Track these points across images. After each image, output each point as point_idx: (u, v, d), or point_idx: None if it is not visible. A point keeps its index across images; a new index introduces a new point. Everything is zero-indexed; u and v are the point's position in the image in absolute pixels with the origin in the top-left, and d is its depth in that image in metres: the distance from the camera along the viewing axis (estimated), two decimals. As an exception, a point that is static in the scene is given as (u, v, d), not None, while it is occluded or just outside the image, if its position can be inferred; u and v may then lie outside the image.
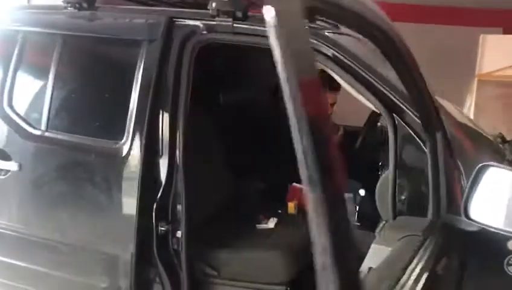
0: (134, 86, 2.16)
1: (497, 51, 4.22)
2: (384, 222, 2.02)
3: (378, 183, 2.01)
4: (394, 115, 1.88)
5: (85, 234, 2.26)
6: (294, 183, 3.10)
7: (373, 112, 3.24)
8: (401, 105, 1.86)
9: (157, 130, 2.14)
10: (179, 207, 2.15)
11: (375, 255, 1.26)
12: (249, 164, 3.16)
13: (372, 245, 1.32)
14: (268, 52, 0.72)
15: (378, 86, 1.90)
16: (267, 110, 3.83)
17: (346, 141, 3.31)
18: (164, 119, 2.14)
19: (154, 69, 2.13)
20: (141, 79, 2.15)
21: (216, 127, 2.77)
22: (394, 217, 1.86)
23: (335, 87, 3.30)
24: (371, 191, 2.82)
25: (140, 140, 2.12)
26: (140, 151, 2.12)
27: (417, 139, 1.85)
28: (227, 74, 3.25)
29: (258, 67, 3.72)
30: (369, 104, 1.99)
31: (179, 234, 2.16)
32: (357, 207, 2.79)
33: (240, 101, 3.46)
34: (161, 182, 2.14)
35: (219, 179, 2.69)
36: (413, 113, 1.84)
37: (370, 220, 2.84)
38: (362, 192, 2.75)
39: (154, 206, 2.12)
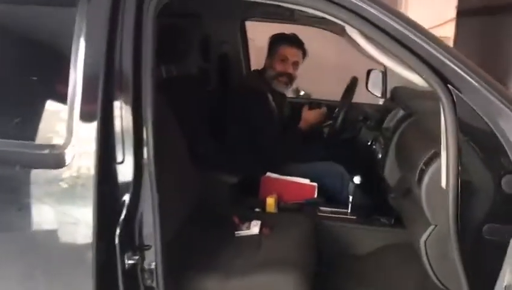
0: (73, 65, 1.49)
1: (423, 8, 3.94)
2: (433, 227, 1.57)
3: (427, 177, 1.55)
4: (450, 87, 1.41)
5: (16, 281, 1.57)
6: (269, 173, 2.57)
7: (351, 83, 2.79)
8: (462, 72, 1.40)
9: (115, 126, 1.50)
10: (149, 229, 1.56)
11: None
12: (210, 153, 2.58)
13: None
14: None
15: (429, 49, 1.42)
16: (216, 84, 3.26)
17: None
18: (124, 110, 1.50)
19: (103, 40, 1.47)
20: (85, 54, 1.48)
21: (169, 107, 2.13)
22: (457, 222, 1.41)
23: (300, 42, 2.84)
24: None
25: (91, 141, 1.47)
26: (93, 156, 1.47)
27: (484, 118, 1.40)
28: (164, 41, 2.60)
29: (201, 34, 3.12)
30: (411, 75, 1.50)
31: (149, 264, 1.58)
32: (351, 198, 2.33)
33: (186, 74, 2.85)
34: (124, 198, 1.52)
35: (187, 180, 2.08)
36: (479, 83, 1.38)
37: (364, 212, 2.43)
38: (357, 179, 2.29)
39: (117, 232, 1.50)
